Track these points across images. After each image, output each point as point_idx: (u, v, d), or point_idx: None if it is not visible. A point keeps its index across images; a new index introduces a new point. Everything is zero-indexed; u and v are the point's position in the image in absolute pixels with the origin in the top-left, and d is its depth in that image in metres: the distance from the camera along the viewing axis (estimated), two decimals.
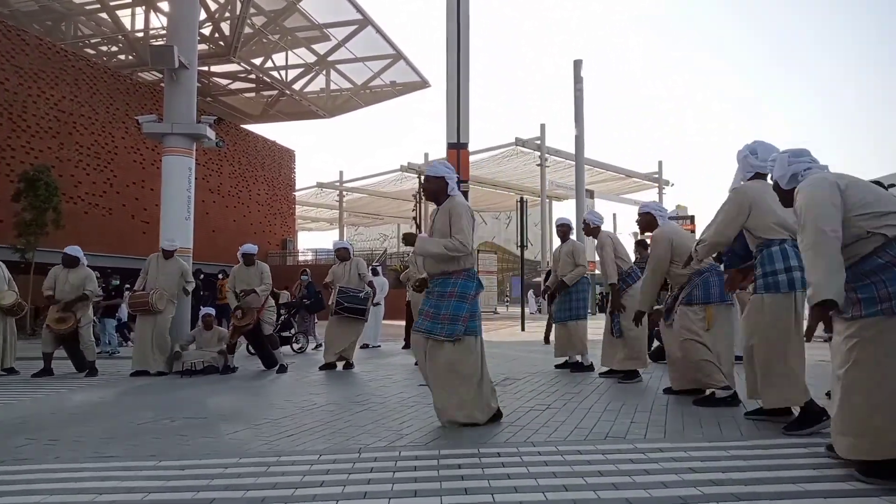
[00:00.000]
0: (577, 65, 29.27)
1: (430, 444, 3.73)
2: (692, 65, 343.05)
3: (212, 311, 8.65)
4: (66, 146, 23.13)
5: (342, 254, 8.35)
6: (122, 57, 30.04)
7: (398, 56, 31.67)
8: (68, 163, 22.96)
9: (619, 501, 2.57)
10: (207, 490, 2.86)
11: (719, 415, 4.33)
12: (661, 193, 43.23)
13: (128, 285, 8.35)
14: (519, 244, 17.89)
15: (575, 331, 7.13)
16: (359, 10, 27.62)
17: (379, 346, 11.56)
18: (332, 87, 34.15)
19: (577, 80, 29.06)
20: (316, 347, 11.22)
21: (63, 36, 27.32)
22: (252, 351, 9.11)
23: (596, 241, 6.57)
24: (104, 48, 30.26)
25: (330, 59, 31.48)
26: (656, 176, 43.68)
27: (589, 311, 7.44)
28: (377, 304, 11.83)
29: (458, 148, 10.73)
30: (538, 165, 35.73)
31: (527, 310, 21.09)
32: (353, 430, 4.22)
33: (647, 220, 5.61)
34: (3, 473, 3.22)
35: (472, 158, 16.12)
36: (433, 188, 4.43)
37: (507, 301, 37.88)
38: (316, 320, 11.54)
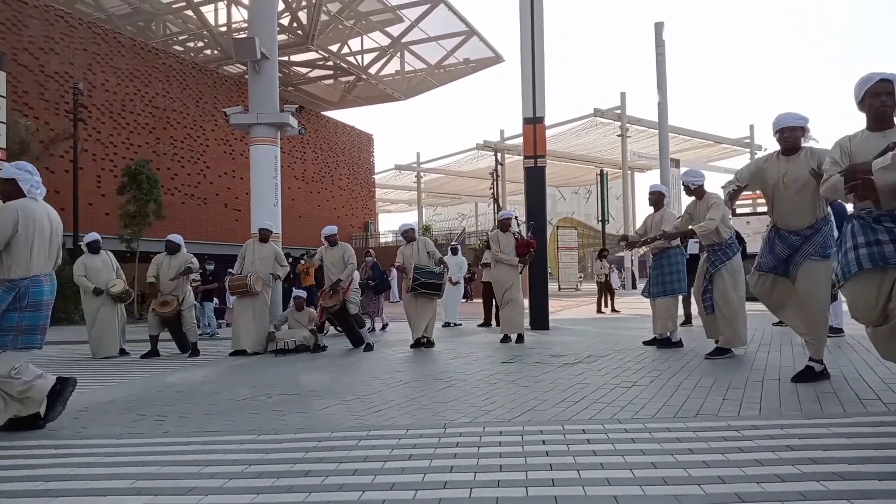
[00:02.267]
0: (659, 28, 27.97)
1: (513, 420, 3.75)
2: (783, 19, 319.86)
3: (303, 293, 9.02)
4: (161, 140, 24.56)
5: (409, 234, 8.47)
6: (208, 52, 31.44)
7: (471, 32, 31.43)
8: (164, 156, 24.39)
9: (712, 479, 2.50)
10: (303, 462, 3.01)
11: (819, 390, 4.11)
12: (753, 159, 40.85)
13: (230, 270, 8.81)
14: (600, 219, 17.49)
15: (665, 306, 6.91)
16: None
17: (460, 324, 11.68)
18: (407, 68, 34.38)
19: (659, 43, 27.79)
20: (383, 328, 11.46)
21: (153, 35, 28.90)
22: (339, 330, 9.45)
23: (698, 204, 6.23)
24: (191, 44, 31.79)
25: (404, 40, 31.68)
26: (747, 140, 41.31)
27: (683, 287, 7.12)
28: (457, 282, 11.96)
29: (534, 122, 10.56)
30: (618, 136, 34.60)
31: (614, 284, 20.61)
32: (438, 406, 4.30)
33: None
34: (122, 446, 3.52)
35: (549, 132, 15.81)
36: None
37: (581, 278, 36.94)
38: (383, 301, 11.76)
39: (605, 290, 14.54)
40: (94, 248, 8.57)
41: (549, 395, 4.47)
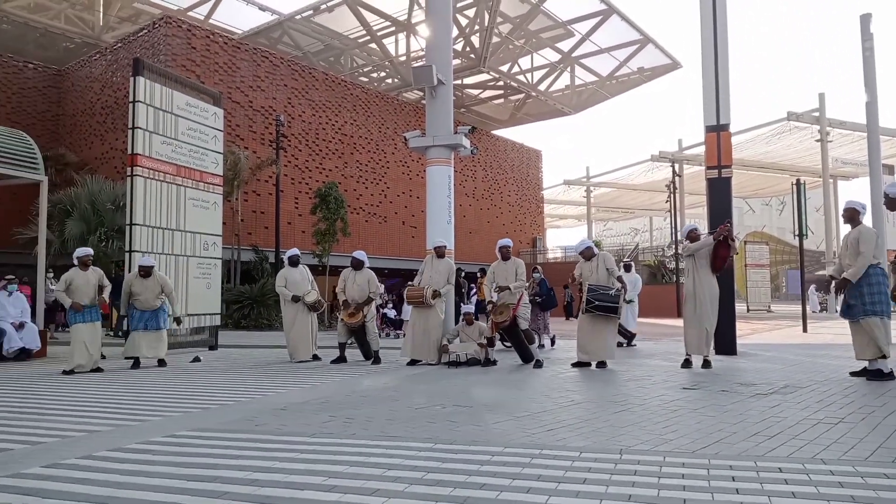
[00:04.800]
0: (865, 20, 24.80)
1: (698, 451, 3.51)
2: None
3: (471, 308, 9.25)
4: (349, 164, 26.73)
5: (587, 252, 8.24)
6: (389, 80, 33.72)
7: (645, 40, 30.33)
8: (351, 178, 26.50)
9: None
10: (477, 475, 3.07)
11: None
12: None
13: (410, 283, 9.32)
14: (797, 233, 15.77)
15: (871, 330, 6.07)
16: (603, 0, 27.11)
17: (635, 345, 11.18)
18: (577, 82, 34.02)
19: (866, 37, 24.60)
20: (551, 343, 11.30)
21: (342, 68, 31.68)
22: (508, 345, 9.51)
23: None
24: (374, 75, 34.34)
25: (574, 54, 31.42)
26: None
27: (892, 308, 6.27)
28: (630, 301, 11.47)
29: (717, 130, 9.86)
30: (817, 141, 31.09)
31: (808, 308, 18.49)
32: (613, 430, 4.15)
33: None
34: (315, 444, 3.85)
35: (734, 140, 14.59)
36: None
37: (779, 297, 33.40)
38: (549, 318, 11.58)
39: None
40: (293, 261, 9.53)
41: (738, 428, 4.11)
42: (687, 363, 7.74)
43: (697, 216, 51.47)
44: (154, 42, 21.62)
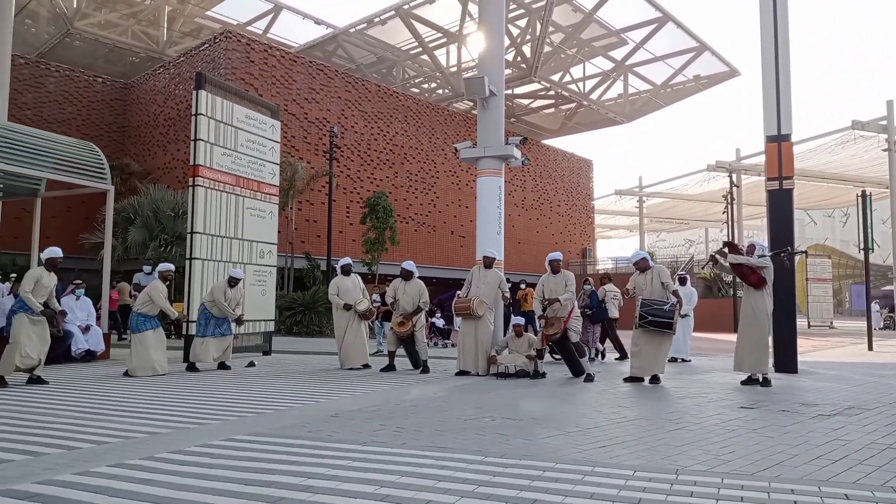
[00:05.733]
0: None
1: (757, 473, 3.39)
2: None
3: (521, 319, 9.18)
4: (399, 174, 27.03)
5: (642, 264, 8.08)
6: (440, 91, 33.98)
7: (702, 48, 29.68)
8: (401, 188, 26.78)
9: None
10: (528, 490, 3.05)
11: None
12: None
13: (459, 292, 9.36)
14: (862, 246, 15.09)
15: None
16: (658, 7, 26.69)
17: (689, 360, 10.88)
18: (630, 90, 33.52)
19: None
20: (602, 357, 11.11)
21: (394, 80, 32.13)
22: (557, 357, 9.41)
23: None
24: (425, 86, 34.69)
25: (628, 62, 31.00)
26: None
27: None
28: (685, 315, 11.17)
29: (778, 140, 9.55)
30: (884, 150, 29.69)
31: (874, 324, 17.62)
32: (668, 448, 4.05)
33: None
34: (367, 452, 3.90)
35: (796, 149, 14.05)
36: None
37: (841, 312, 31.88)
38: (598, 331, 11.37)
39: None
40: (346, 270, 9.69)
41: (799, 450, 3.96)
42: (750, 381, 7.51)
43: (756, 228, 49.85)
44: (215, 56, 22.43)
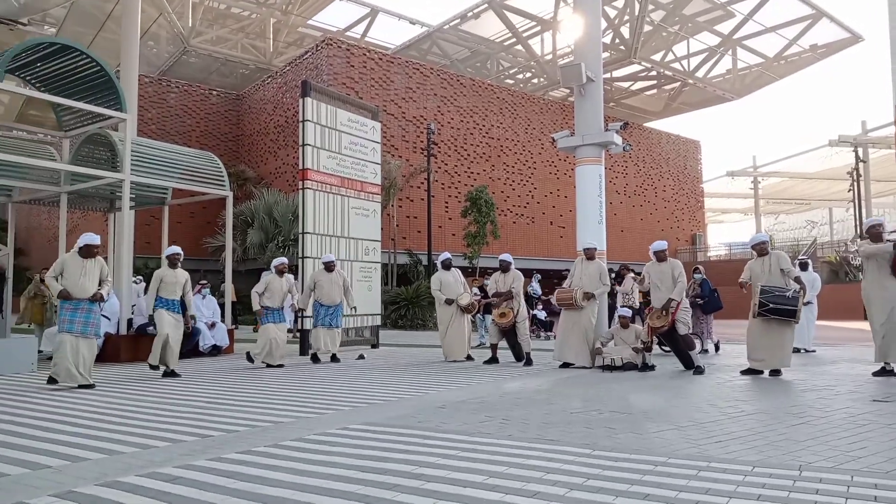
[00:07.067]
0: None
1: (892, 472, 3.14)
2: None
3: (628, 312, 8.94)
4: (496, 167, 27.06)
5: (760, 247, 7.61)
6: (535, 81, 33.62)
7: (819, 14, 27.44)
8: (498, 181, 26.79)
9: None
10: (640, 485, 3.00)
11: None
12: None
13: (560, 285, 9.30)
14: None
15: None
16: None
17: (814, 350, 10.16)
18: (740, 65, 31.62)
19: None
20: (716, 349, 10.49)
21: (488, 73, 32.13)
22: (666, 349, 9.09)
23: None
24: (520, 76, 34.43)
25: (736, 36, 29.24)
26: None
27: None
28: (808, 302, 10.42)
29: None
30: None
31: None
32: (790, 444, 3.84)
33: None
34: (475, 444, 3.98)
35: None
36: None
37: None
38: (713, 321, 10.77)
39: None
40: (446, 265, 9.86)
41: None
42: (883, 372, 6.92)
43: (887, 206, 45.51)
44: (317, 63, 23.45)
